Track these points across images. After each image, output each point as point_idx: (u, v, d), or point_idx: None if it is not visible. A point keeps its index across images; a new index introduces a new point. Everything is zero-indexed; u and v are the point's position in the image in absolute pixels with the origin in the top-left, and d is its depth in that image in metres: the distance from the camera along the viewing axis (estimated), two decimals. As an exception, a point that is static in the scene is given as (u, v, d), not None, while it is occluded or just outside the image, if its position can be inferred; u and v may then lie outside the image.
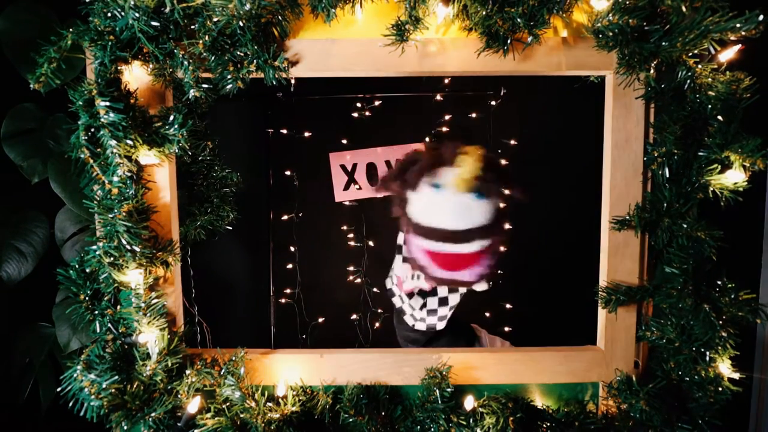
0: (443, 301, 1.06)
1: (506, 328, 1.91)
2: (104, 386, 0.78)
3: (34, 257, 1.24)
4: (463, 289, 1.06)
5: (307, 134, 1.88)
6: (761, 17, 0.71)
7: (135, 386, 0.81)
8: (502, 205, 0.91)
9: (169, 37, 0.80)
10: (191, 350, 0.90)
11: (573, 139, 1.76)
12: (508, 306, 1.91)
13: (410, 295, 1.05)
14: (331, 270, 1.97)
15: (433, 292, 1.05)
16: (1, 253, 1.22)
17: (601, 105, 0.90)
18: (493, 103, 1.85)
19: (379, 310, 1.97)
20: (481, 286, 1.01)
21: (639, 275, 0.89)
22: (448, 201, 0.87)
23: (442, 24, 0.85)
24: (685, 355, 0.83)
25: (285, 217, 1.92)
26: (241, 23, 0.77)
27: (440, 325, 1.08)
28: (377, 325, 1.96)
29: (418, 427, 0.87)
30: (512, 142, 1.87)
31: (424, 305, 1.05)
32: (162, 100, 0.85)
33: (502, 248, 0.94)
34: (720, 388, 0.81)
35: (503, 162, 1.79)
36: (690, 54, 0.79)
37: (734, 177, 0.78)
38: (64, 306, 1.22)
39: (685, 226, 0.81)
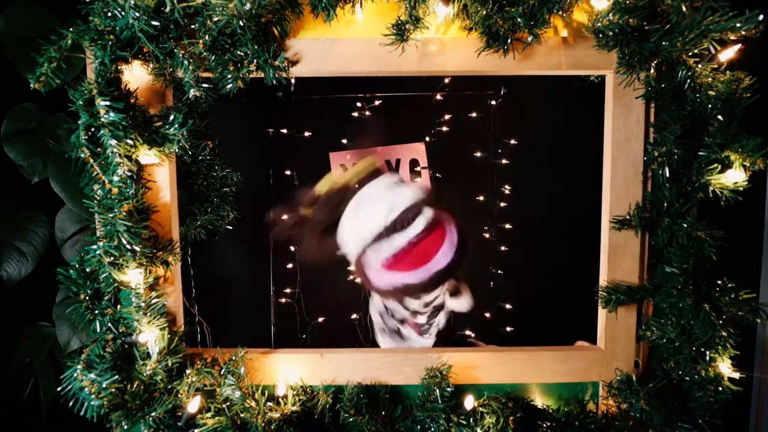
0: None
1: (507, 328, 1.90)
2: (104, 386, 0.78)
3: (34, 257, 1.24)
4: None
5: (307, 134, 1.88)
6: (761, 17, 0.71)
7: (135, 386, 0.81)
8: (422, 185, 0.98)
9: (169, 36, 0.80)
10: (191, 350, 0.90)
11: (573, 138, 1.76)
12: (507, 306, 1.91)
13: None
14: (331, 269, 1.96)
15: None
16: (1, 253, 1.22)
17: (601, 105, 0.90)
18: (494, 102, 1.85)
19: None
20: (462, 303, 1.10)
21: (639, 275, 0.89)
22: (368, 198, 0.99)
23: (443, 23, 0.85)
24: (685, 355, 0.83)
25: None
26: (241, 23, 0.77)
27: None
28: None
29: (419, 426, 0.87)
30: (512, 141, 1.87)
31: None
32: (162, 100, 0.85)
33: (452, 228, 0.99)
34: (720, 388, 0.81)
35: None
36: (690, 53, 0.78)
37: (734, 176, 0.78)
38: (64, 305, 1.22)
39: (685, 225, 0.81)
